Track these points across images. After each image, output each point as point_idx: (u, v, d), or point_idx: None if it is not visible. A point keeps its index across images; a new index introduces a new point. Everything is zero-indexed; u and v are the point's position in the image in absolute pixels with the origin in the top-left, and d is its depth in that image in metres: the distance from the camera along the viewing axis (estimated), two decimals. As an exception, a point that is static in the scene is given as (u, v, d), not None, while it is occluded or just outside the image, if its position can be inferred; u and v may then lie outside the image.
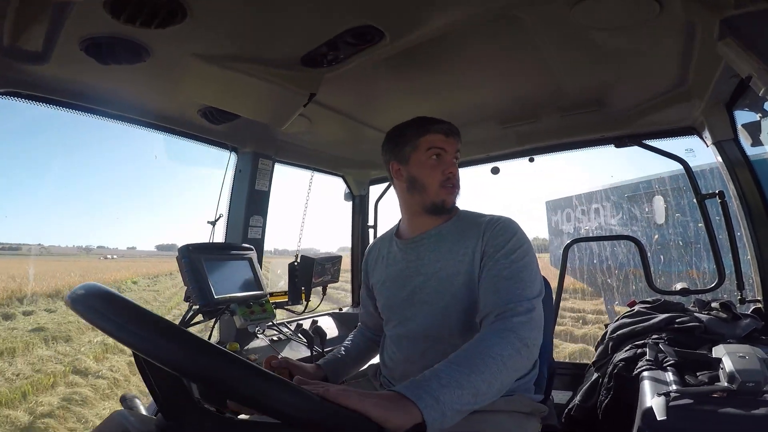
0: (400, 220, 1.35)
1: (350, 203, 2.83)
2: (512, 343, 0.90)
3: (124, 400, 0.79)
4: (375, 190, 2.84)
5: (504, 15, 1.14)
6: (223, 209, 2.03)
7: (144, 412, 0.76)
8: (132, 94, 1.49)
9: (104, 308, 0.55)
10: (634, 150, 1.95)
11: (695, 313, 1.70)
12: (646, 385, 1.22)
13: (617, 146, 1.97)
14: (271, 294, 2.07)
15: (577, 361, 2.16)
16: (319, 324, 2.02)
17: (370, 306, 1.42)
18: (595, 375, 1.71)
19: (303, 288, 2.18)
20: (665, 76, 1.50)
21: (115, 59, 1.15)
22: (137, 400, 0.80)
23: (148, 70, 1.26)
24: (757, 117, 1.57)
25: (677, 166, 1.93)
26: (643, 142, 1.92)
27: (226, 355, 0.53)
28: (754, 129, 1.59)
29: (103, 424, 0.68)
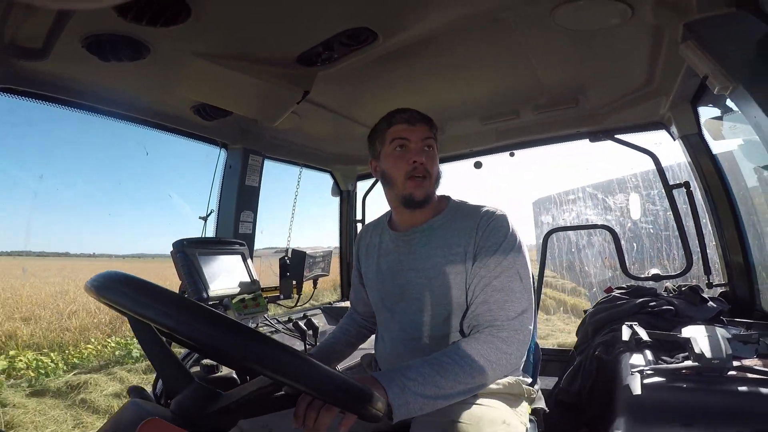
0: (392, 211, 1.33)
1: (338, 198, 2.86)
2: (488, 357, 0.98)
3: (132, 391, 0.79)
4: (362, 186, 2.90)
5: (488, 17, 1.21)
6: (214, 205, 2.05)
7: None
8: (128, 90, 1.50)
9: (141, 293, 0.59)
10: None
11: (667, 297, 1.80)
12: (623, 366, 1.29)
13: (591, 141, 2.07)
14: (263, 289, 2.09)
15: (561, 348, 2.25)
16: (310, 318, 2.06)
17: (363, 292, 1.41)
18: (578, 359, 1.77)
19: (295, 282, 2.20)
20: (635, 75, 1.60)
21: (116, 56, 1.17)
22: (144, 391, 0.81)
23: (147, 67, 1.28)
24: (718, 113, 1.69)
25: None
26: (616, 136, 2.02)
27: (256, 334, 0.59)
28: (715, 124, 1.71)
29: (118, 414, 0.69)
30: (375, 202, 2.86)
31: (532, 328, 1.07)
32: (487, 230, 1.10)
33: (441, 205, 1.23)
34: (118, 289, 0.61)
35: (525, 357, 1.28)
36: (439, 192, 1.24)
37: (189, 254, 1.62)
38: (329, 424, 0.80)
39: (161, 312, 0.56)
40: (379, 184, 2.79)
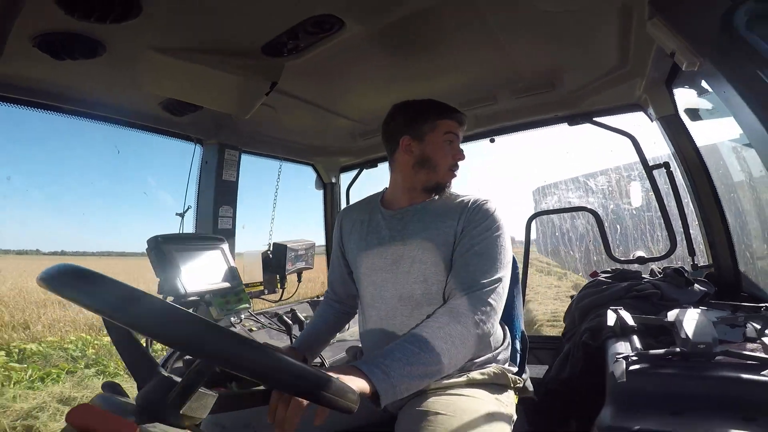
0: (384, 191, 1.37)
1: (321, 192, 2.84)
2: (464, 323, 0.99)
3: (105, 386, 0.77)
4: (345, 178, 2.87)
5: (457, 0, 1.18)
6: (192, 201, 2.03)
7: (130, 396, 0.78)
8: (91, 89, 1.47)
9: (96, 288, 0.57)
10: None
11: (652, 281, 1.77)
12: (610, 352, 1.26)
13: (570, 124, 2.05)
14: (246, 285, 2.08)
15: (550, 335, 2.24)
16: (296, 312, 2.05)
17: (346, 272, 1.41)
18: (567, 346, 1.75)
19: (278, 276, 2.19)
20: (608, 57, 1.57)
21: (70, 54, 1.15)
22: (120, 387, 0.81)
23: (106, 64, 1.25)
24: (694, 93, 1.66)
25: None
26: (594, 119, 2.00)
27: (218, 329, 0.57)
28: (691, 104, 1.68)
29: None
30: (359, 194, 2.85)
31: (504, 299, 1.10)
32: (475, 209, 1.19)
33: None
34: (69, 282, 0.58)
35: (510, 345, 1.31)
36: None
37: (165, 251, 1.60)
38: (299, 417, 0.79)
39: (114, 305, 0.55)
40: (363, 176, 2.80)
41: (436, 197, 1.28)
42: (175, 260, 1.61)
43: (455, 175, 1.29)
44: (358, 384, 0.79)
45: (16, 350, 6.46)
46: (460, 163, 1.28)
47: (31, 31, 1.07)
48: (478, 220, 1.16)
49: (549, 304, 8.36)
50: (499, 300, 1.07)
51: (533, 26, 1.34)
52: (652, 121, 1.85)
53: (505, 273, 1.11)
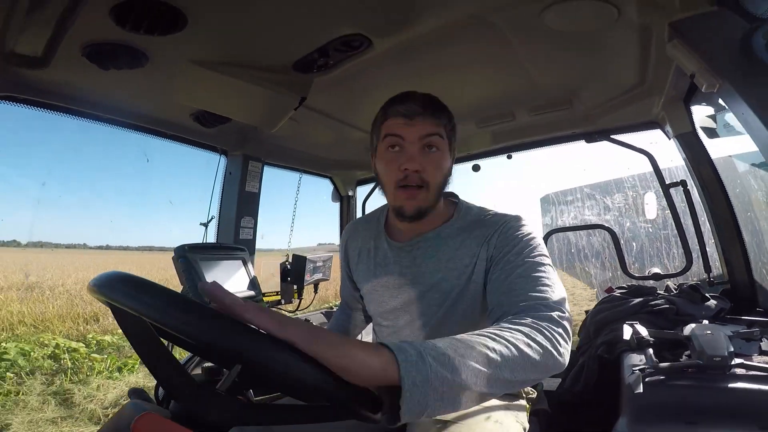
0: (388, 210, 1.18)
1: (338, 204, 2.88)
2: (539, 342, 0.71)
3: (132, 393, 0.78)
4: (361, 191, 2.91)
5: (478, 20, 1.22)
6: (215, 211, 2.07)
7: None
8: (128, 98, 1.52)
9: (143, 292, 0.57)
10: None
11: (668, 296, 1.79)
12: (625, 365, 1.29)
13: (588, 141, 2.08)
14: (264, 294, 2.10)
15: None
16: (311, 322, 2.06)
17: (357, 295, 1.34)
18: (581, 359, 1.77)
19: (296, 287, 2.21)
20: (627, 75, 1.61)
21: (115, 64, 1.20)
22: (145, 393, 0.81)
23: (146, 74, 1.31)
24: (711, 111, 1.69)
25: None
26: (611, 137, 2.03)
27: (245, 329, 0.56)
28: (709, 122, 1.71)
29: (117, 415, 0.68)
30: (375, 207, 2.87)
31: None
32: (503, 234, 0.98)
33: (448, 210, 1.10)
34: (119, 288, 0.59)
35: None
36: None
37: (190, 259, 1.63)
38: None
39: (163, 310, 0.54)
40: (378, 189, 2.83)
41: (447, 221, 1.08)
42: (200, 269, 1.64)
43: (414, 194, 0.96)
44: (372, 362, 0.54)
45: (94, 342, 7.02)
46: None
47: (82, 41, 1.13)
48: (510, 244, 0.95)
49: (584, 305, 8.54)
50: (569, 323, 0.79)
51: (552, 45, 1.38)
52: (669, 138, 1.88)
53: (564, 293, 0.85)
